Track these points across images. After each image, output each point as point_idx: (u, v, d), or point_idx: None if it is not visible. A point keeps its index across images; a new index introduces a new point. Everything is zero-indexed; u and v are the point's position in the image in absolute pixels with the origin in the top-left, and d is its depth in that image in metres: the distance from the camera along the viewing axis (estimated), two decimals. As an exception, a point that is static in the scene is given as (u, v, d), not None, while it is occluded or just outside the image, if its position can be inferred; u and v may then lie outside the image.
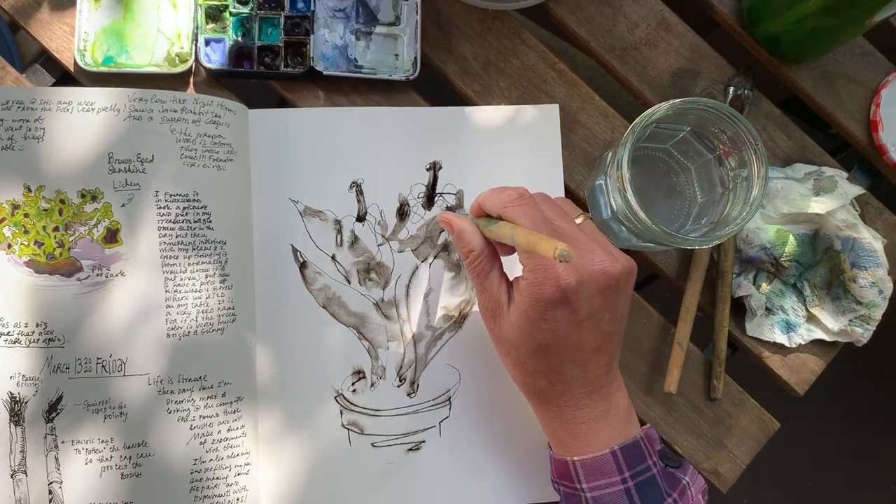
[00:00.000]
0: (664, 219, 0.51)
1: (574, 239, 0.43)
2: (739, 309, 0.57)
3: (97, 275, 0.47)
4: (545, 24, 0.75)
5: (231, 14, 0.53)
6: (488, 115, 0.55)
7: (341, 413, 0.52)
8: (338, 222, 0.53)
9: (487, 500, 0.52)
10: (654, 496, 0.43)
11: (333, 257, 0.53)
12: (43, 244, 0.47)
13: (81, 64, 0.52)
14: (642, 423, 0.47)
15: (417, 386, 0.53)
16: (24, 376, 0.46)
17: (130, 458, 0.47)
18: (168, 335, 0.48)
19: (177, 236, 0.48)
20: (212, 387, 0.48)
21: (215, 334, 0.49)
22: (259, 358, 0.51)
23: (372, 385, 0.52)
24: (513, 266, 0.46)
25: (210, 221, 0.49)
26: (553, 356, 0.43)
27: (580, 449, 0.44)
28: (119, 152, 0.48)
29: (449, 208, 0.54)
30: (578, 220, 0.45)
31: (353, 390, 0.52)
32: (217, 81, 0.54)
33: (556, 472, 0.46)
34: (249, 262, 0.51)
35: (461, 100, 0.57)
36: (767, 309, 0.56)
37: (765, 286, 0.56)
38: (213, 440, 0.48)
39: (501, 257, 0.46)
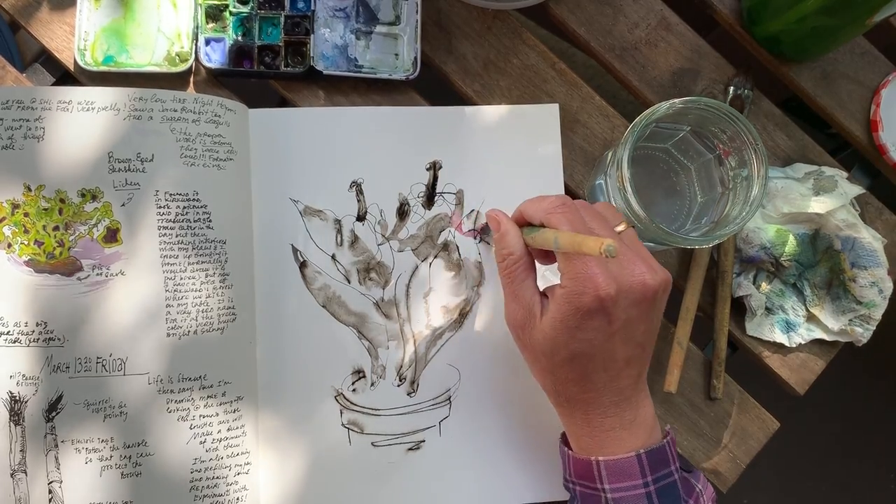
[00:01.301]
0: (664, 218, 0.51)
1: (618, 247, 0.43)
2: (739, 309, 0.57)
3: (97, 274, 0.47)
4: (545, 23, 0.75)
5: (231, 13, 0.53)
6: (488, 115, 0.55)
7: (341, 412, 0.52)
8: (338, 222, 0.53)
9: (487, 500, 0.52)
10: (673, 501, 0.43)
11: (333, 257, 0.53)
12: (43, 243, 0.47)
13: (81, 63, 0.52)
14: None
15: (417, 385, 0.53)
16: (23, 376, 0.46)
17: (130, 457, 0.47)
18: (168, 335, 0.47)
19: (177, 236, 0.48)
20: (212, 386, 0.48)
21: (215, 334, 0.49)
22: (259, 358, 0.51)
23: (372, 384, 0.52)
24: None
25: (210, 221, 0.49)
26: (586, 365, 0.43)
27: (604, 454, 0.44)
28: (119, 152, 0.48)
29: (476, 219, 0.54)
30: (620, 228, 0.44)
31: (353, 390, 0.52)
32: (217, 81, 0.54)
33: (574, 472, 0.45)
34: (249, 261, 0.51)
35: (461, 100, 0.57)
36: (767, 309, 0.56)
37: (765, 286, 0.56)
38: (213, 439, 0.48)
39: (537, 265, 0.47)
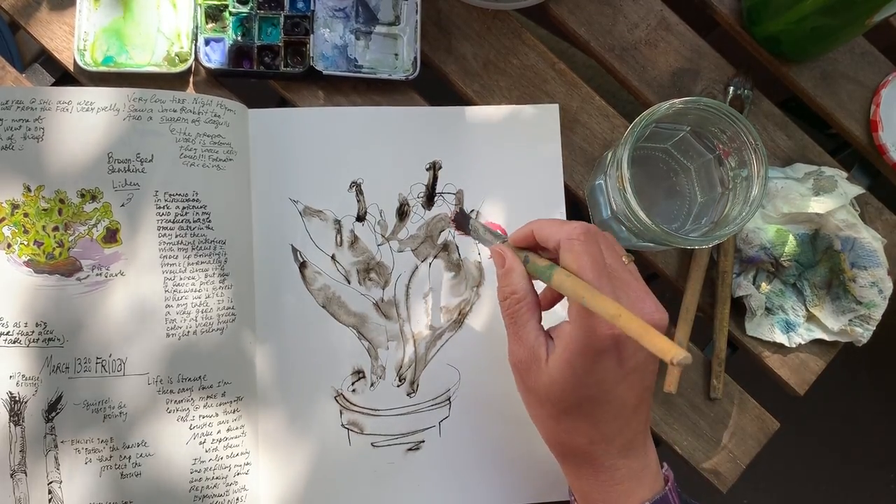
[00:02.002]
0: (664, 219, 0.51)
1: (625, 283, 0.41)
2: (739, 309, 0.57)
3: (97, 274, 0.47)
4: (545, 24, 0.75)
5: (231, 14, 0.53)
6: (488, 115, 0.55)
7: (341, 413, 0.52)
8: (338, 222, 0.53)
9: (487, 500, 0.52)
10: None
11: (333, 257, 0.53)
12: (42, 244, 0.47)
13: (81, 64, 0.52)
14: None
15: (417, 386, 0.53)
16: (23, 376, 0.46)
17: (130, 457, 0.47)
18: (167, 335, 0.47)
19: (176, 236, 0.48)
20: (211, 386, 0.48)
21: (215, 334, 0.49)
22: (259, 358, 0.51)
23: (372, 385, 0.52)
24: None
25: (209, 221, 0.49)
26: (597, 411, 0.40)
27: None
28: (119, 152, 0.48)
29: (467, 216, 0.51)
30: (625, 261, 0.42)
31: (353, 390, 0.52)
32: (217, 81, 0.54)
33: None
34: (249, 261, 0.51)
35: (461, 100, 0.57)
36: (767, 309, 0.56)
37: (765, 286, 0.56)
38: (213, 440, 0.48)
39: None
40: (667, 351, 0.32)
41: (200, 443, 0.48)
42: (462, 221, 0.50)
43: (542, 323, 0.43)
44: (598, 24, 0.57)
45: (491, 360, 0.53)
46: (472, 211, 0.54)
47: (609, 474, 0.42)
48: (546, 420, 0.43)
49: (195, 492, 0.47)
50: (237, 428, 0.49)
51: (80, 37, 0.52)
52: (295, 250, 0.52)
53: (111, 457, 0.46)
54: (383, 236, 0.53)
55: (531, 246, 0.44)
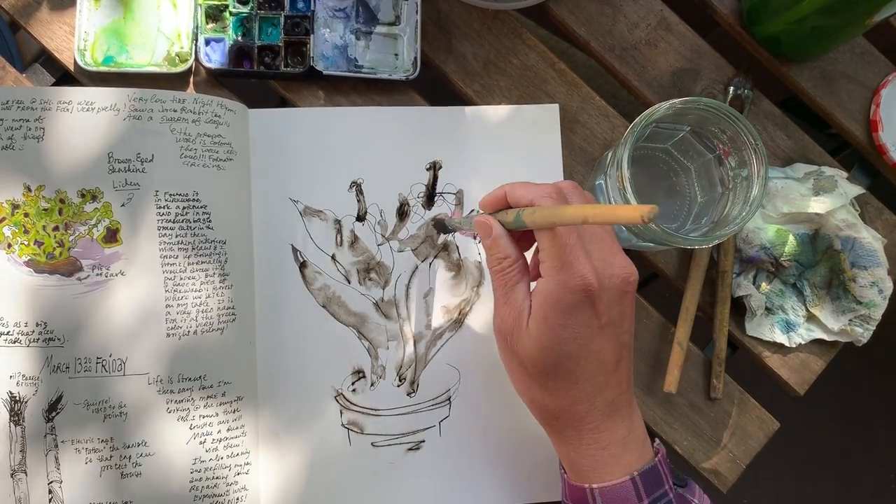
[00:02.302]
0: (664, 219, 0.51)
1: (598, 238, 0.41)
2: (739, 309, 0.57)
3: (97, 274, 0.47)
4: (545, 23, 0.75)
5: (231, 14, 0.53)
6: (488, 115, 0.55)
7: (341, 413, 0.52)
8: (338, 222, 0.53)
9: (487, 500, 0.52)
10: None
11: (333, 257, 0.53)
12: (43, 244, 0.47)
13: (81, 64, 0.52)
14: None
15: (417, 385, 0.53)
16: (23, 376, 0.46)
17: (130, 457, 0.47)
18: (168, 335, 0.47)
19: (176, 236, 0.48)
20: (211, 386, 0.48)
21: (215, 334, 0.49)
22: (259, 358, 0.51)
23: (372, 385, 0.52)
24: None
25: (210, 221, 0.49)
26: (575, 368, 0.41)
27: (599, 476, 0.42)
28: (119, 152, 0.48)
29: (440, 220, 0.52)
30: None
31: (353, 390, 0.52)
32: (217, 81, 0.54)
33: (570, 497, 0.44)
34: (249, 261, 0.51)
35: (461, 100, 0.57)
36: (767, 309, 0.56)
37: (765, 286, 0.56)
38: (213, 440, 0.48)
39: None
40: (635, 214, 0.32)
41: (200, 443, 0.48)
42: (441, 227, 0.51)
43: (530, 287, 0.43)
44: (598, 24, 0.57)
45: (491, 360, 0.53)
46: (473, 211, 0.54)
47: (593, 437, 0.42)
48: (529, 384, 0.43)
49: (195, 492, 0.47)
50: (237, 428, 0.49)
51: (80, 37, 0.52)
52: (295, 250, 0.52)
53: (111, 457, 0.46)
54: (383, 236, 0.53)
55: (503, 209, 0.44)
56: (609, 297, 0.40)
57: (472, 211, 0.48)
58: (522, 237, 0.44)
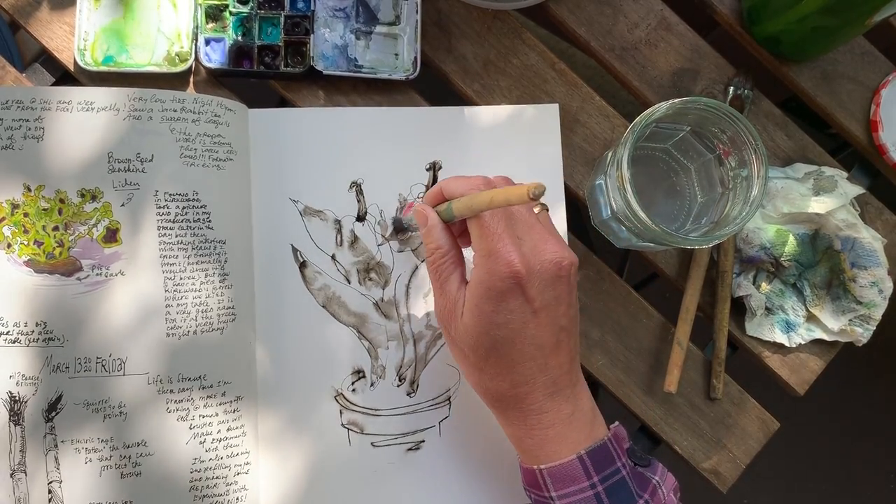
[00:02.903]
0: (664, 219, 0.51)
1: (528, 226, 0.42)
2: (739, 309, 0.57)
3: (97, 274, 0.47)
4: (545, 23, 0.75)
5: (231, 13, 0.53)
6: (488, 115, 0.55)
7: (341, 413, 0.52)
8: (338, 222, 0.53)
9: (487, 500, 0.52)
10: (625, 499, 0.42)
11: (333, 257, 0.53)
12: (42, 243, 0.47)
13: (81, 63, 0.52)
14: (611, 423, 0.46)
15: (417, 385, 0.53)
16: (23, 376, 0.46)
17: (130, 457, 0.47)
18: (168, 335, 0.47)
19: (176, 236, 0.48)
20: (211, 386, 0.48)
21: (215, 334, 0.49)
22: (259, 358, 0.51)
23: (372, 385, 0.52)
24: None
25: (210, 221, 0.49)
26: (511, 353, 0.42)
27: (547, 456, 0.42)
28: (119, 152, 0.48)
29: (398, 219, 0.53)
30: (536, 210, 0.44)
31: (353, 390, 0.52)
32: (217, 81, 0.54)
33: (525, 481, 0.45)
34: (249, 261, 0.51)
35: (461, 100, 0.57)
36: (767, 309, 0.56)
37: (765, 286, 0.56)
38: (213, 439, 0.48)
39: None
40: (522, 193, 0.35)
41: (200, 442, 0.48)
42: (399, 226, 0.53)
43: (465, 279, 0.44)
44: (598, 24, 0.57)
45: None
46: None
47: (536, 418, 0.42)
48: (471, 370, 0.44)
49: (195, 491, 0.47)
50: (237, 428, 0.49)
51: (80, 36, 0.52)
52: (295, 250, 0.52)
53: (111, 456, 0.46)
54: (383, 236, 0.53)
55: (442, 202, 0.46)
56: (541, 283, 0.41)
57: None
58: (464, 232, 0.45)
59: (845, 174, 0.57)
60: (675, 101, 0.46)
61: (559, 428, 0.42)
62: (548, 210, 0.46)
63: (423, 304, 0.53)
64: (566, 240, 0.54)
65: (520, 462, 0.45)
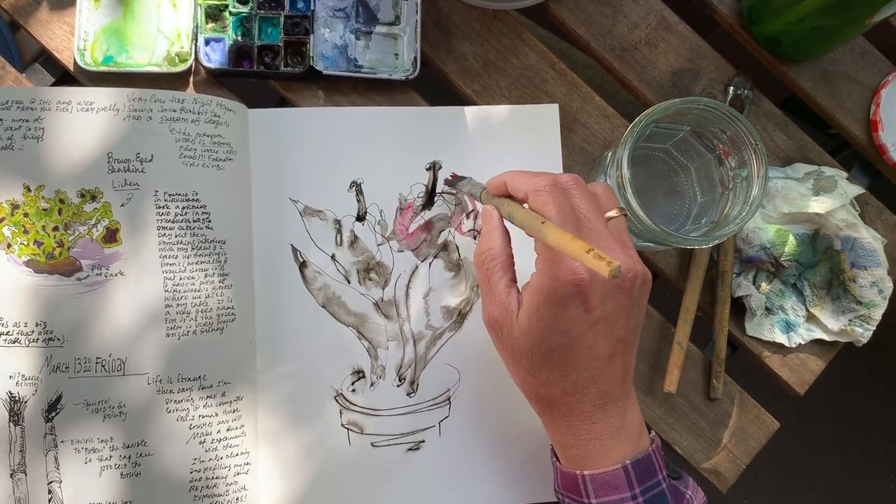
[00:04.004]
0: (664, 219, 0.51)
1: (596, 236, 0.41)
2: (739, 309, 0.57)
3: (97, 274, 0.47)
4: (545, 23, 0.75)
5: (231, 13, 0.53)
6: (488, 115, 0.55)
7: (341, 413, 0.52)
8: (338, 222, 0.53)
9: (487, 500, 0.52)
10: None
11: (333, 257, 0.53)
12: (42, 244, 0.47)
13: (81, 63, 0.52)
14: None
15: (417, 386, 0.53)
16: (23, 376, 0.46)
17: (130, 457, 0.47)
18: (167, 335, 0.47)
19: (176, 236, 0.48)
20: (211, 386, 0.48)
21: (215, 334, 0.48)
22: (259, 358, 0.51)
23: (372, 385, 0.52)
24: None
25: (209, 221, 0.49)
26: (566, 360, 0.41)
27: (591, 463, 0.42)
28: (118, 152, 0.48)
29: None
30: (611, 214, 0.43)
31: (353, 390, 0.52)
32: (217, 81, 0.54)
33: (562, 484, 0.44)
34: (249, 261, 0.51)
35: (461, 100, 0.57)
36: (767, 309, 0.56)
37: (765, 286, 0.56)
38: (213, 440, 0.48)
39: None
40: (601, 265, 0.33)
41: (200, 443, 0.48)
42: (452, 184, 0.53)
43: (515, 283, 0.44)
44: (598, 24, 0.57)
45: (491, 360, 0.53)
46: (473, 211, 0.54)
47: (585, 428, 0.42)
48: (523, 375, 0.43)
49: (195, 492, 0.47)
50: (237, 428, 0.49)
51: (80, 36, 0.52)
52: (295, 250, 0.52)
53: (111, 456, 0.46)
54: (383, 236, 0.53)
55: (504, 195, 0.45)
56: (603, 293, 0.40)
57: (484, 185, 0.48)
58: None
59: (845, 174, 0.57)
60: (675, 101, 0.46)
61: (607, 440, 0.42)
62: (626, 215, 0.44)
63: (423, 304, 0.53)
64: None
65: (557, 465, 0.44)
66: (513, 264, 0.44)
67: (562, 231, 0.37)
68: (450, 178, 0.53)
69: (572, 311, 0.40)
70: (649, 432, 0.45)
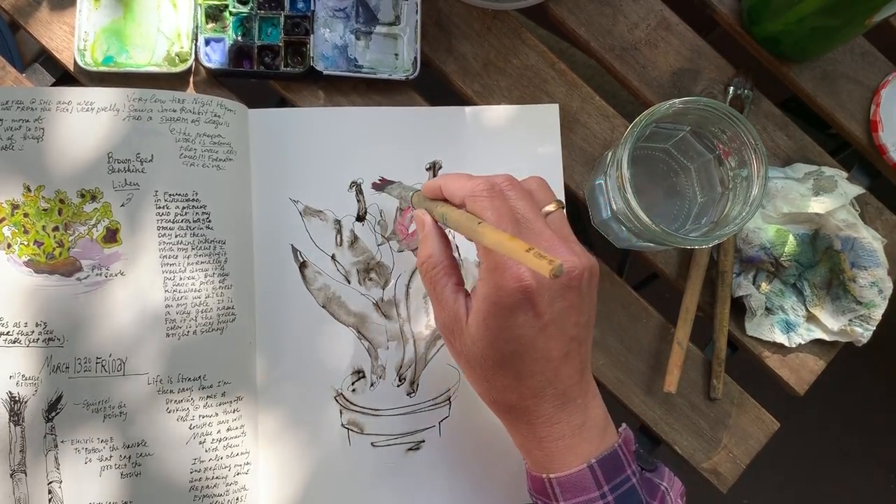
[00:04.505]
0: (664, 219, 0.51)
1: (536, 234, 0.40)
2: (739, 309, 0.57)
3: (97, 274, 0.47)
4: (545, 24, 0.75)
5: (231, 13, 0.53)
6: (488, 115, 0.55)
7: (341, 413, 0.52)
8: (338, 222, 0.53)
9: (487, 500, 0.52)
10: None
11: (333, 257, 0.53)
12: (42, 244, 0.47)
13: (81, 64, 0.52)
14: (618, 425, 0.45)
15: (417, 385, 0.53)
16: (23, 376, 0.46)
17: (130, 457, 0.47)
18: (167, 335, 0.47)
19: (176, 236, 0.48)
20: (211, 386, 0.48)
21: (215, 334, 0.49)
22: (259, 358, 0.51)
23: (372, 385, 0.52)
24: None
25: (209, 221, 0.49)
26: (520, 366, 0.40)
27: (556, 465, 0.41)
28: (118, 152, 0.48)
29: (389, 182, 0.52)
30: (549, 209, 0.42)
31: (353, 390, 0.52)
32: (217, 81, 0.54)
33: (532, 487, 0.44)
34: (249, 261, 0.51)
35: (461, 100, 0.57)
36: (767, 309, 0.56)
37: (765, 286, 0.56)
38: (213, 440, 0.48)
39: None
40: (542, 265, 0.31)
41: (200, 443, 0.48)
42: (381, 189, 0.51)
43: (463, 286, 0.43)
44: (598, 24, 0.57)
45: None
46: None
47: (547, 430, 0.41)
48: (479, 381, 0.42)
49: (195, 492, 0.47)
50: (237, 428, 0.49)
51: (80, 37, 0.52)
52: (295, 250, 0.52)
53: (111, 457, 0.46)
54: (383, 236, 0.53)
55: (440, 199, 0.44)
56: (550, 294, 0.39)
57: (417, 188, 0.47)
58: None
59: (845, 174, 0.57)
60: (675, 101, 0.46)
61: (569, 439, 0.41)
62: (563, 207, 0.43)
63: (423, 305, 0.53)
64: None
65: (526, 468, 0.44)
66: (457, 267, 0.43)
67: (499, 231, 0.36)
68: (378, 181, 0.52)
69: (521, 318, 0.39)
70: (620, 426, 0.44)
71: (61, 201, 0.48)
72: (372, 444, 0.52)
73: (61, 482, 0.46)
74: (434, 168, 0.54)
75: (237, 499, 0.48)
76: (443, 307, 0.42)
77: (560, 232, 0.42)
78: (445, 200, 0.43)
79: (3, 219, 0.47)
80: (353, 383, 0.52)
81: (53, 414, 0.46)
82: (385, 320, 0.53)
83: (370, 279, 0.53)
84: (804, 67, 0.59)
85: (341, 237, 0.53)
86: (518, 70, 0.56)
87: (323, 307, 0.52)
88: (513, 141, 0.55)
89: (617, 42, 0.57)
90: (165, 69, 0.52)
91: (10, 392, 0.46)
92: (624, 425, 0.44)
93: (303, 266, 0.52)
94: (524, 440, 0.43)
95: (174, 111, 0.49)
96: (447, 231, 0.45)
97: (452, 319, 0.42)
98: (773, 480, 1.32)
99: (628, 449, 0.42)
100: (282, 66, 0.53)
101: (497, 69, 0.56)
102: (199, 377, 0.48)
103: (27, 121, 0.47)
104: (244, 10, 0.54)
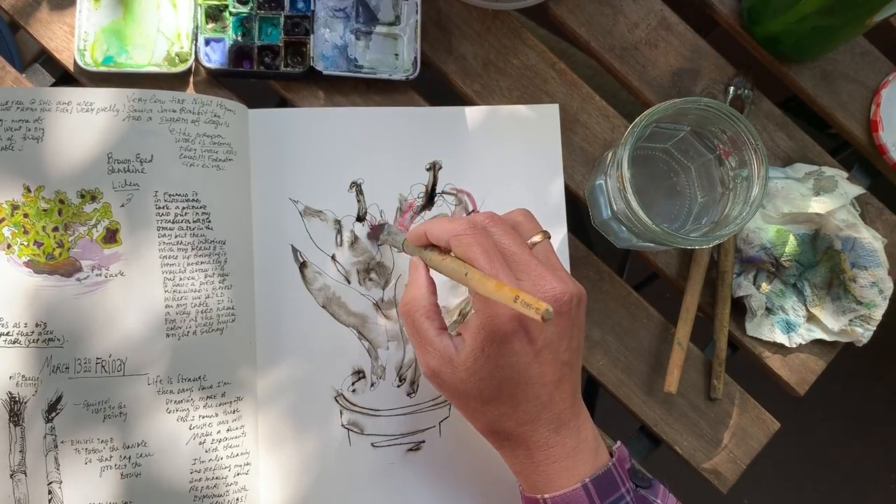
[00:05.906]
0: (664, 219, 0.51)
1: (524, 267, 0.41)
2: (739, 309, 0.57)
3: (96, 275, 0.47)
4: (545, 23, 0.75)
5: (231, 14, 0.53)
6: (488, 115, 0.55)
7: (341, 413, 0.52)
8: (338, 222, 0.53)
9: (487, 501, 0.52)
10: None
11: (333, 257, 0.53)
12: (42, 244, 0.47)
13: (81, 64, 0.52)
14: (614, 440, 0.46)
15: (417, 386, 0.53)
16: (23, 376, 0.46)
17: (130, 457, 0.47)
18: (167, 335, 0.47)
19: (176, 236, 0.48)
20: (211, 387, 0.48)
21: (215, 334, 0.48)
22: (259, 358, 0.51)
23: (372, 385, 0.52)
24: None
25: (209, 221, 0.49)
26: (516, 393, 0.41)
27: (552, 487, 0.42)
28: (118, 152, 0.48)
29: (382, 226, 0.53)
30: (535, 240, 0.43)
31: (353, 390, 0.52)
32: (217, 81, 0.54)
33: None
34: (249, 261, 0.51)
35: (461, 100, 0.57)
36: (767, 309, 0.56)
37: (765, 286, 0.56)
38: (213, 440, 0.48)
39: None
40: (531, 311, 0.34)
41: (200, 443, 0.48)
42: (376, 236, 0.53)
43: (446, 330, 0.44)
44: (598, 24, 0.57)
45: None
46: (473, 212, 0.54)
47: (544, 454, 0.42)
48: (475, 413, 0.43)
49: (195, 492, 0.47)
50: (237, 428, 0.49)
51: (80, 37, 0.52)
52: (295, 250, 0.52)
53: (111, 457, 0.46)
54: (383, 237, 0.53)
55: (426, 245, 0.45)
56: (541, 322, 0.40)
57: (404, 234, 0.48)
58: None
59: (845, 174, 0.57)
60: (675, 101, 0.46)
61: (565, 461, 0.42)
62: (549, 237, 0.44)
63: (423, 305, 0.53)
64: (567, 246, 0.54)
65: (521, 491, 0.45)
66: (438, 311, 0.44)
67: (487, 278, 0.38)
68: (373, 227, 0.53)
69: (516, 346, 0.40)
70: (615, 443, 0.45)
71: (61, 202, 0.48)
72: (372, 444, 0.52)
73: (61, 482, 0.46)
74: (434, 168, 0.54)
75: (237, 499, 0.48)
76: (429, 349, 0.43)
77: (547, 262, 0.43)
78: (433, 245, 0.44)
79: (3, 219, 0.47)
80: (353, 384, 0.52)
81: (53, 414, 0.46)
82: (385, 321, 0.53)
83: (370, 279, 0.53)
84: (804, 67, 0.59)
85: (341, 237, 0.53)
86: (518, 70, 0.56)
87: (323, 307, 0.52)
88: (513, 141, 0.55)
89: (617, 42, 0.57)
90: (165, 69, 0.52)
91: (10, 392, 0.46)
92: (619, 443, 0.46)
93: (303, 266, 0.52)
94: (521, 466, 0.44)
95: (174, 111, 0.49)
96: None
97: (442, 357, 0.42)
98: (773, 480, 1.32)
99: (622, 467, 0.44)
100: (282, 67, 0.53)
101: (497, 69, 0.56)
102: (199, 377, 0.48)
103: (27, 121, 0.47)
104: (244, 10, 0.54)
